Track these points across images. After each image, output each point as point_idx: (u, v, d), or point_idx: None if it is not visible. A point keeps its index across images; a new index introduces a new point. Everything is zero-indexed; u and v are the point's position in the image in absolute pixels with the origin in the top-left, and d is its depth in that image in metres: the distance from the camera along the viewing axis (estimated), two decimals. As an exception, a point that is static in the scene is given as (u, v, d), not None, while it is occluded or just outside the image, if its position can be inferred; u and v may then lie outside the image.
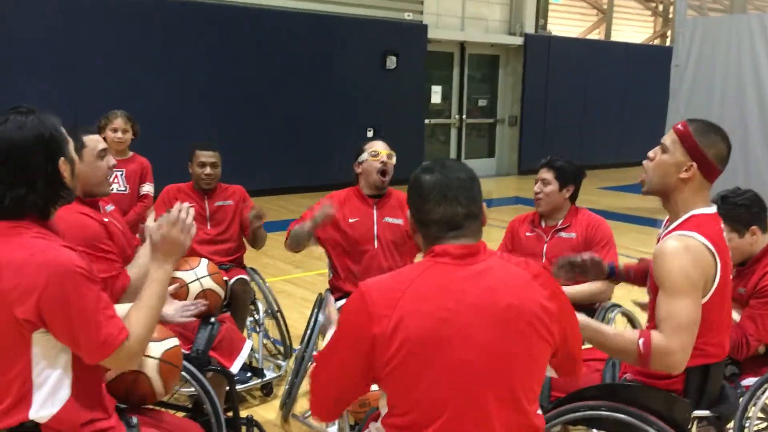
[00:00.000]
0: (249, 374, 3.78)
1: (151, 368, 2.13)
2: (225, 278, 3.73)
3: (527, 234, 3.42)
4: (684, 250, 2.09)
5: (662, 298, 2.12)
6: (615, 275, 2.68)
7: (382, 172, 3.48)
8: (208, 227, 3.93)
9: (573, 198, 3.40)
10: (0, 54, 7.96)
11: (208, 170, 3.90)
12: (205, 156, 3.90)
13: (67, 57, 8.44)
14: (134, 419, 1.99)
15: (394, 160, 3.54)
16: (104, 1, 8.67)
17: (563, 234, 3.34)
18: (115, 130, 4.32)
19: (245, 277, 3.90)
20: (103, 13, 8.65)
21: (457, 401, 1.57)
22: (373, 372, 1.61)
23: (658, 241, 2.27)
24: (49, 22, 8.27)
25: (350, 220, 3.50)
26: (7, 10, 7.99)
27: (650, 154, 2.28)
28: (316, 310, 3.63)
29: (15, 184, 1.75)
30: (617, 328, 2.88)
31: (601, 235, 3.30)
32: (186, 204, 1.99)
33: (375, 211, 3.52)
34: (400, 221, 3.51)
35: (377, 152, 3.49)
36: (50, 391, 1.78)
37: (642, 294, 2.66)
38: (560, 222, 3.37)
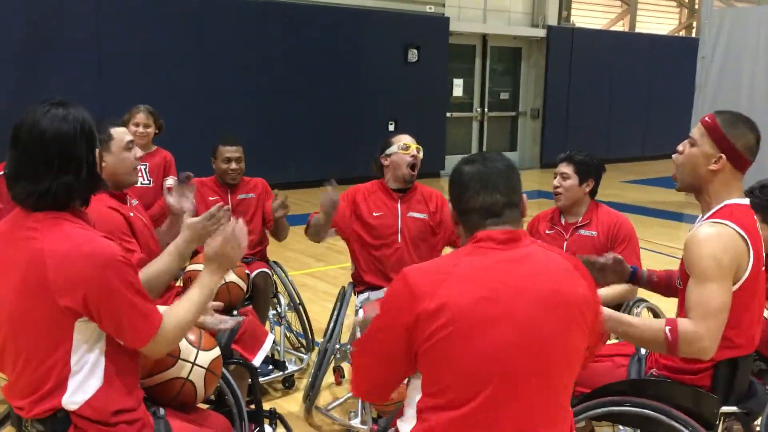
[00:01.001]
0: (271, 367, 3.80)
1: (198, 376, 2.20)
2: (246, 271, 3.75)
3: (547, 232, 3.35)
4: (716, 235, 2.09)
5: (692, 284, 2.12)
6: (636, 279, 2.62)
7: (412, 166, 3.48)
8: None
9: (593, 193, 3.33)
10: (36, 49, 8.05)
11: (233, 165, 3.93)
12: (230, 152, 3.94)
13: (101, 52, 8.51)
14: (161, 410, 2.01)
15: (421, 154, 3.52)
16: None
17: (583, 231, 3.27)
18: (137, 125, 4.35)
19: (266, 270, 3.91)
20: (136, 9, 8.71)
21: (496, 381, 1.58)
22: (414, 348, 1.62)
23: None
24: (83, 18, 8.34)
25: (375, 214, 3.50)
26: (45, 5, 8.08)
27: (679, 147, 2.28)
28: (339, 303, 3.63)
29: (62, 172, 1.81)
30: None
31: (624, 233, 3.22)
32: (240, 222, 2.12)
33: (399, 206, 3.51)
34: (424, 216, 3.51)
35: (408, 146, 3.47)
36: (84, 378, 1.82)
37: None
38: (580, 218, 3.30)
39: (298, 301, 4.15)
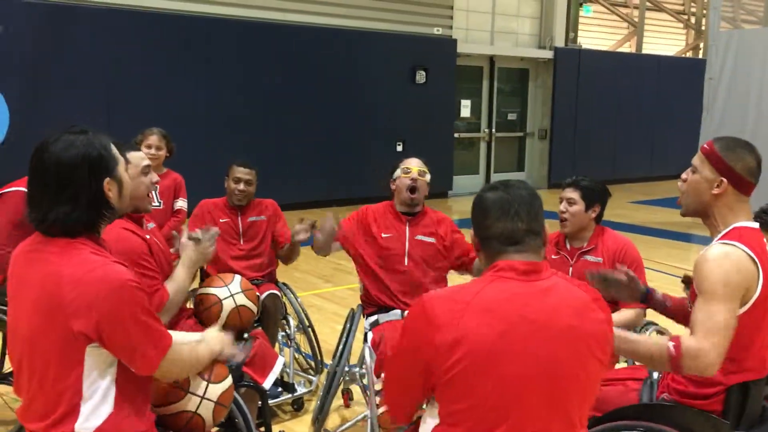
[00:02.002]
0: (280, 389, 3.80)
1: (207, 410, 2.20)
2: (257, 294, 3.76)
3: (552, 257, 3.32)
4: (725, 256, 2.10)
5: (699, 302, 2.12)
6: (648, 299, 2.61)
7: (412, 189, 3.50)
8: (241, 242, 3.97)
9: (598, 218, 3.30)
10: (41, 66, 8.16)
11: (241, 186, 3.95)
12: (241, 172, 3.97)
13: (106, 71, 8.62)
14: None
15: (427, 177, 3.54)
16: (140, 17, 8.87)
17: (589, 257, 3.24)
18: (149, 147, 4.39)
19: (276, 292, 3.92)
20: (140, 29, 8.84)
21: (514, 414, 1.59)
22: (432, 379, 1.63)
23: None
24: (85, 40, 8.46)
25: (384, 235, 3.51)
26: (49, 27, 8.19)
27: (683, 176, 2.33)
28: (347, 325, 3.63)
29: (60, 201, 1.81)
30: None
31: (630, 259, 3.18)
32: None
33: (408, 229, 3.52)
34: (432, 240, 3.51)
35: (409, 169, 3.51)
36: (96, 404, 1.83)
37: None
38: (585, 244, 3.26)
39: (307, 323, 4.15)
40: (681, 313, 2.56)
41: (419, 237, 3.51)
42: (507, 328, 1.59)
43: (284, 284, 4.19)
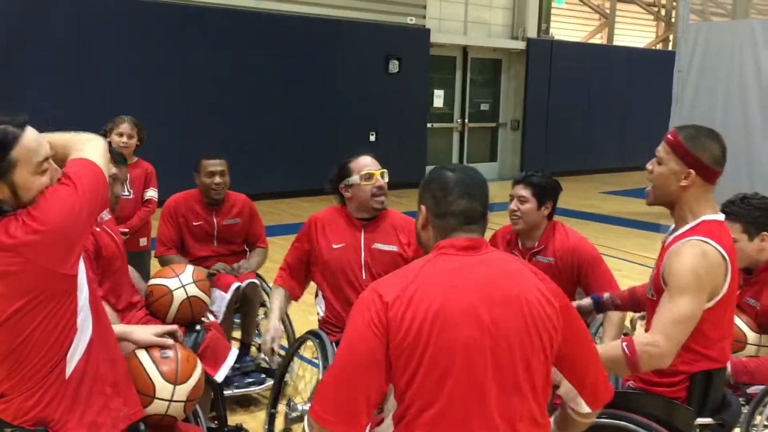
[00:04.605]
0: (263, 375, 3.80)
1: (177, 410, 2.19)
2: (237, 284, 3.73)
3: None
4: (702, 254, 2.13)
5: (665, 296, 2.15)
6: (601, 307, 2.72)
7: (381, 196, 3.04)
8: (215, 244, 3.95)
9: (551, 215, 3.17)
10: (11, 57, 8.01)
11: (217, 179, 3.89)
12: (213, 165, 3.90)
13: (78, 62, 8.49)
14: (141, 425, 2.02)
15: (386, 177, 3.08)
16: (115, 4, 8.73)
17: (540, 258, 3.11)
18: (120, 135, 4.33)
19: (255, 280, 3.91)
20: (115, 17, 8.71)
21: (458, 378, 1.62)
22: (388, 355, 1.64)
23: (662, 246, 2.30)
24: (60, 28, 8.32)
25: (335, 246, 3.05)
26: (23, 14, 8.03)
27: (648, 166, 2.32)
28: (321, 362, 3.02)
29: None
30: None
31: (586, 257, 3.07)
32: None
33: (363, 235, 3.07)
34: (393, 248, 3.07)
35: (370, 174, 3.01)
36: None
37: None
38: (536, 243, 3.15)
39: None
40: (633, 304, 2.68)
41: (377, 245, 3.06)
42: (451, 294, 1.64)
43: (258, 275, 4.17)
